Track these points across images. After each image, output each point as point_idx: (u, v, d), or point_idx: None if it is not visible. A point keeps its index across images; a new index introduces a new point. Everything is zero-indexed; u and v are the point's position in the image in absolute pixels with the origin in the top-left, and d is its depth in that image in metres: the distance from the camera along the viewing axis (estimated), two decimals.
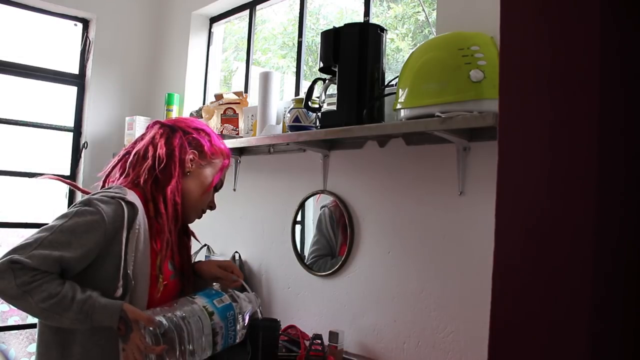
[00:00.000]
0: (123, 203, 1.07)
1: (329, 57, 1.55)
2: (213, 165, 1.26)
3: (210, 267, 1.30)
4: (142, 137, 1.25)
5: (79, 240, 1.01)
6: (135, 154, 1.20)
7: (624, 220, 0.53)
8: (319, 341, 1.58)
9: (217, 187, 1.31)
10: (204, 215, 1.30)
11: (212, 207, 1.31)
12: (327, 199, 1.80)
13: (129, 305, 1.03)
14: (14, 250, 0.98)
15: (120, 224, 1.06)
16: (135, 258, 1.07)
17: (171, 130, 1.23)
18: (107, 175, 1.24)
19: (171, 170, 1.18)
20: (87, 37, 2.78)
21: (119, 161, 1.23)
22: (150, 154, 1.18)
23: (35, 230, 1.04)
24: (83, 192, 1.26)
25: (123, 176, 1.19)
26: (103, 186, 1.22)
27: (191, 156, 1.21)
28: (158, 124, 1.26)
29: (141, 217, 1.10)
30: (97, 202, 1.05)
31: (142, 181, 1.16)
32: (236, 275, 1.28)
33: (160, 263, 1.13)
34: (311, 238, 1.88)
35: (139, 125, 2.44)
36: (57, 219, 1.04)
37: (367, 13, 1.84)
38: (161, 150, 1.18)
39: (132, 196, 1.11)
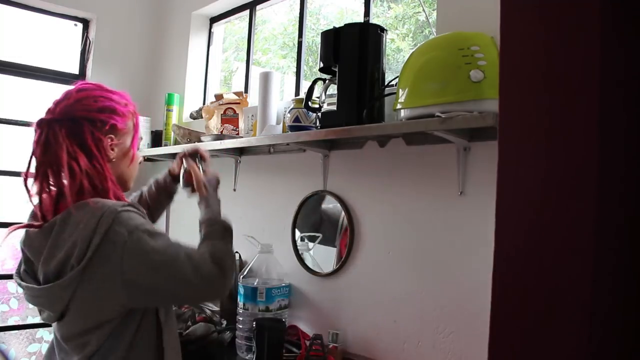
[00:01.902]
0: (127, 209, 1.03)
1: (329, 57, 1.55)
2: (129, 131, 1.18)
3: (175, 163, 1.41)
4: (45, 148, 1.06)
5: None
6: (53, 172, 1.05)
7: (624, 220, 0.53)
8: (319, 341, 1.58)
9: (139, 145, 1.25)
10: None
11: (140, 162, 1.27)
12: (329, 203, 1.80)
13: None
14: (194, 276, 1.04)
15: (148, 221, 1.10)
16: None
17: (75, 125, 1.07)
18: (41, 194, 1.07)
19: (100, 172, 1.07)
20: (87, 37, 2.78)
21: (42, 188, 1.06)
22: (76, 170, 1.03)
23: None
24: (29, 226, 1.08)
25: (57, 196, 1.06)
26: (41, 211, 1.06)
27: (109, 142, 1.11)
28: (56, 125, 1.06)
29: None
30: (131, 224, 1.00)
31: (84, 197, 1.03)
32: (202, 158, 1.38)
33: None
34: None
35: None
36: (153, 258, 1.00)
37: (367, 13, 1.84)
38: (83, 161, 1.04)
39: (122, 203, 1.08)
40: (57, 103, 1.12)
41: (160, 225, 1.35)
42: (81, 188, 1.04)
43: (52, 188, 1.07)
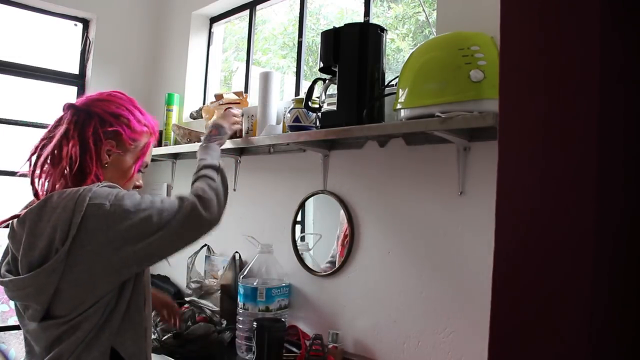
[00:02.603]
0: (103, 185, 1.05)
1: (329, 57, 1.55)
2: (135, 150, 1.19)
3: (158, 300, 1.49)
4: (56, 124, 1.14)
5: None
6: (51, 152, 1.09)
7: (624, 220, 0.53)
8: (319, 341, 1.58)
9: (142, 168, 1.24)
10: None
11: (138, 187, 1.25)
12: (326, 205, 1.80)
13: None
14: (174, 214, 1.04)
15: None
16: None
17: (86, 117, 1.12)
18: (33, 174, 1.11)
19: (87, 166, 1.09)
20: (87, 37, 2.78)
21: (37, 159, 1.11)
22: (64, 153, 1.08)
23: None
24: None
25: (47, 179, 1.10)
26: (33, 185, 1.10)
27: (107, 147, 1.13)
28: (72, 110, 1.13)
29: None
30: (105, 193, 1.02)
31: (63, 185, 1.08)
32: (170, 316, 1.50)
33: None
34: (312, 239, 1.89)
35: None
36: (136, 213, 1.01)
37: (367, 13, 1.84)
38: (74, 149, 1.08)
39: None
40: (88, 95, 1.18)
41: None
42: (62, 173, 1.07)
43: (49, 168, 1.09)
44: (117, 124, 1.14)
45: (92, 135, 1.11)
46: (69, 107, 1.14)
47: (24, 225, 1.01)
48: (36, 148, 1.12)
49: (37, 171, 1.09)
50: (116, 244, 0.98)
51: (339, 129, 1.50)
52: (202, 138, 1.46)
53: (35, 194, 1.09)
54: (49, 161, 1.09)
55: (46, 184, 1.10)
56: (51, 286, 0.97)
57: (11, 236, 1.05)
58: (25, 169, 1.11)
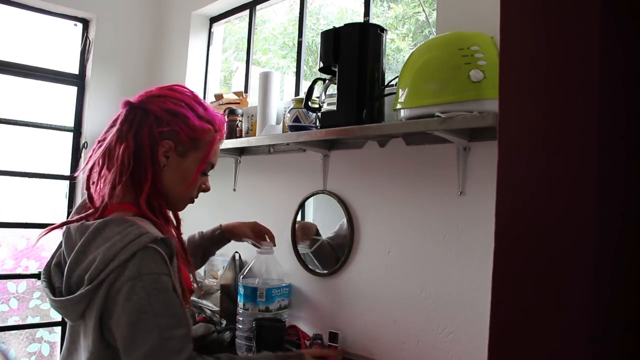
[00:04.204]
0: (155, 246, 0.94)
1: (329, 57, 1.55)
2: (196, 149, 1.09)
3: (244, 231, 1.56)
4: (112, 125, 1.07)
5: (177, 308, 0.94)
6: (102, 155, 1.04)
7: (625, 220, 0.53)
8: (319, 341, 1.58)
9: (206, 170, 1.14)
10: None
11: (204, 189, 1.16)
12: (326, 206, 1.80)
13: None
14: None
15: (169, 268, 0.95)
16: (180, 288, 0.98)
17: (142, 116, 1.04)
18: (89, 179, 1.07)
19: (143, 169, 1.02)
20: (87, 37, 2.78)
21: (95, 161, 1.06)
22: (116, 156, 1.01)
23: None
24: (66, 223, 1.04)
25: (104, 184, 1.03)
26: (88, 190, 1.05)
27: (165, 148, 1.04)
28: (127, 108, 1.06)
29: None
30: (147, 267, 0.92)
31: (119, 191, 1.00)
32: (269, 238, 1.60)
33: (193, 277, 1.07)
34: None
35: None
36: (139, 315, 0.90)
37: (367, 13, 1.84)
38: (127, 151, 1.01)
39: (147, 225, 0.98)
40: (147, 91, 1.09)
41: None
42: (117, 177, 1.00)
43: (105, 173, 1.03)
44: (174, 122, 1.04)
45: (148, 136, 1.03)
46: (124, 104, 1.06)
47: (82, 238, 0.97)
48: (93, 151, 1.06)
49: (93, 176, 1.04)
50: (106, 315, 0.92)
51: (339, 129, 1.50)
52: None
53: (91, 199, 1.03)
54: (103, 165, 1.03)
55: (105, 188, 1.02)
56: (79, 312, 0.94)
57: (66, 236, 1.01)
58: (84, 172, 1.06)
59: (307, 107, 1.64)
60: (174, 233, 1.10)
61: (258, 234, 1.60)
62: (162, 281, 0.92)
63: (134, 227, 0.95)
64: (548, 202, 0.51)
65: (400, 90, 1.36)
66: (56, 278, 1.02)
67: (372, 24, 1.63)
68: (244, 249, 2.03)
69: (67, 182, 2.70)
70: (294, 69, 2.17)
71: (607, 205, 0.50)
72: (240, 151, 2.14)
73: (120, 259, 0.91)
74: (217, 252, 2.23)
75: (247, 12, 2.48)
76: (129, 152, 1.01)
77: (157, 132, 1.03)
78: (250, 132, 1.99)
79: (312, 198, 1.86)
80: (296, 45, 2.16)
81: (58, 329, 2.65)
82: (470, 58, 1.23)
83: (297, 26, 2.17)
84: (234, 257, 2.05)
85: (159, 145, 1.04)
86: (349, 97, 1.50)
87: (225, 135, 1.18)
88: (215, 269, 2.16)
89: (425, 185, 1.49)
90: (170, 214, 1.14)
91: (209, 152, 1.10)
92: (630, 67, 0.53)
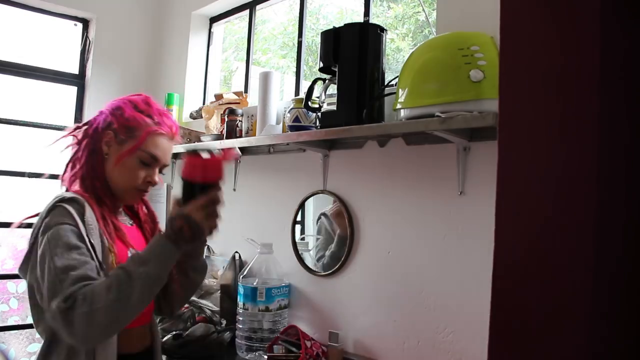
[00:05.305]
0: (63, 204, 1.07)
1: (329, 57, 1.55)
2: (133, 138, 1.16)
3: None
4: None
5: (77, 249, 1.02)
6: (70, 157, 1.21)
7: (625, 220, 0.53)
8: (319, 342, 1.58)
9: (145, 160, 1.17)
10: None
11: (150, 183, 1.20)
12: (325, 205, 1.80)
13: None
14: (50, 301, 0.96)
15: (76, 221, 1.05)
16: (100, 252, 1.08)
17: (98, 116, 1.21)
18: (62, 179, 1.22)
19: (86, 159, 1.18)
20: (87, 37, 2.78)
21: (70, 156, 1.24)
22: (76, 150, 1.20)
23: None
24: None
25: (67, 172, 1.21)
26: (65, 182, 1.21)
27: (107, 138, 1.17)
28: (100, 113, 1.24)
29: (89, 212, 1.09)
30: (53, 218, 1.05)
31: (77, 181, 1.18)
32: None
33: (112, 259, 1.09)
34: (312, 242, 1.89)
35: None
36: (40, 259, 1.02)
37: (367, 13, 1.84)
38: (82, 145, 1.19)
39: (71, 194, 1.12)
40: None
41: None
42: (74, 165, 1.19)
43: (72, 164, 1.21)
44: (112, 114, 1.19)
45: (94, 130, 1.19)
46: (101, 112, 1.23)
47: None
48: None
49: (65, 175, 1.20)
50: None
51: (339, 128, 1.50)
52: (169, 225, 1.04)
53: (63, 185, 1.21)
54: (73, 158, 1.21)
55: (65, 175, 1.20)
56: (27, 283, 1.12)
57: None
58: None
59: (307, 107, 1.64)
60: (105, 214, 1.15)
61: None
62: (63, 229, 1.03)
63: (59, 196, 1.10)
64: (548, 202, 0.51)
65: (400, 90, 1.36)
66: None
67: (372, 24, 1.63)
68: (244, 249, 2.03)
69: None
70: (294, 69, 2.17)
71: (608, 205, 0.50)
72: (241, 151, 2.14)
73: (41, 217, 1.08)
74: (217, 252, 2.23)
75: (247, 12, 2.49)
76: (83, 145, 1.19)
77: (101, 126, 1.18)
78: (250, 132, 1.99)
79: (312, 198, 1.86)
80: (296, 45, 2.16)
81: None
82: (470, 58, 1.23)
83: (297, 26, 2.17)
84: (233, 257, 2.05)
85: (102, 136, 1.18)
86: (349, 97, 1.50)
87: (179, 133, 1.28)
88: (215, 269, 2.16)
89: (425, 185, 1.49)
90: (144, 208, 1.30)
91: (143, 139, 1.17)
92: (630, 67, 0.53)
